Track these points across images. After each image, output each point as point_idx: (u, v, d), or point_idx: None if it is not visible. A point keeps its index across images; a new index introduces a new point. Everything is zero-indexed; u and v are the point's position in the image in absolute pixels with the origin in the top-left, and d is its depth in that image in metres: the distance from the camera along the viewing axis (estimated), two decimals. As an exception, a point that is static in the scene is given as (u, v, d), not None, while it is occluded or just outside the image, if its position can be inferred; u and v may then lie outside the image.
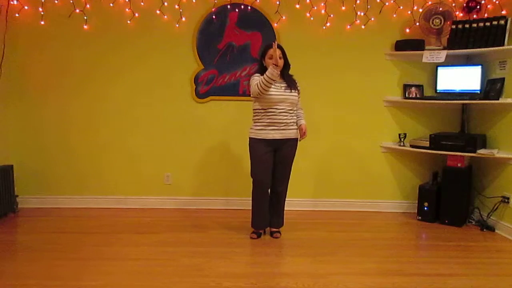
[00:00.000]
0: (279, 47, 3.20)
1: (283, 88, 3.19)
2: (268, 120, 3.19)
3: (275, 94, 3.14)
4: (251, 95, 3.22)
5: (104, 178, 4.19)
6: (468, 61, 4.01)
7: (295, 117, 3.32)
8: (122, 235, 3.41)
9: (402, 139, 4.04)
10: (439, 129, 4.12)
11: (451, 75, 3.91)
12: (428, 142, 3.85)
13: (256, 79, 3.16)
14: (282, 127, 3.20)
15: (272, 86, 3.16)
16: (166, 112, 4.13)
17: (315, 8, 4.00)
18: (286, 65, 3.25)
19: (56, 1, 3.92)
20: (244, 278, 2.62)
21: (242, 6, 3.98)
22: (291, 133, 3.26)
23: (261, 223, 3.40)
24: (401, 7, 3.99)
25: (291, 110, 3.24)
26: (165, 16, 4.00)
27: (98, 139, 4.15)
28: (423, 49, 3.86)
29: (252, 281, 2.58)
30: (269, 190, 3.40)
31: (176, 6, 3.98)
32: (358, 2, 3.98)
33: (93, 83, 4.08)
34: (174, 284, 2.54)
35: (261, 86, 3.06)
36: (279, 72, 3.08)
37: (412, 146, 3.99)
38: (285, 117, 3.20)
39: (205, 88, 4.10)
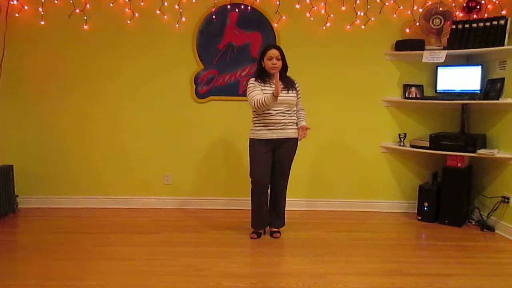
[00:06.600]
0: (278, 47, 3.20)
1: (280, 89, 3.18)
2: (265, 121, 3.19)
3: None
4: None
5: (104, 178, 4.19)
6: (468, 61, 4.01)
7: (294, 117, 3.30)
8: (122, 235, 3.41)
9: (402, 139, 4.04)
10: (439, 129, 4.12)
11: (451, 75, 3.91)
12: (428, 142, 3.84)
13: (253, 92, 3.15)
14: (280, 127, 3.20)
15: (269, 88, 3.16)
16: (166, 112, 4.13)
17: (315, 8, 4.00)
18: (284, 67, 3.24)
19: (56, 1, 3.92)
20: (244, 278, 2.62)
21: (242, 6, 3.98)
22: (289, 133, 3.25)
23: (261, 223, 3.40)
24: (401, 7, 3.99)
25: (289, 110, 3.23)
26: (165, 16, 4.00)
27: (99, 140, 4.14)
28: (423, 49, 3.85)
29: (252, 281, 2.58)
30: (268, 190, 3.40)
31: (176, 6, 3.98)
32: (358, 2, 3.98)
33: (93, 83, 4.08)
34: (174, 284, 2.54)
35: (258, 107, 3.11)
36: (276, 101, 3.06)
37: (412, 146, 3.99)
38: (283, 118, 3.20)
39: (205, 88, 4.10)
